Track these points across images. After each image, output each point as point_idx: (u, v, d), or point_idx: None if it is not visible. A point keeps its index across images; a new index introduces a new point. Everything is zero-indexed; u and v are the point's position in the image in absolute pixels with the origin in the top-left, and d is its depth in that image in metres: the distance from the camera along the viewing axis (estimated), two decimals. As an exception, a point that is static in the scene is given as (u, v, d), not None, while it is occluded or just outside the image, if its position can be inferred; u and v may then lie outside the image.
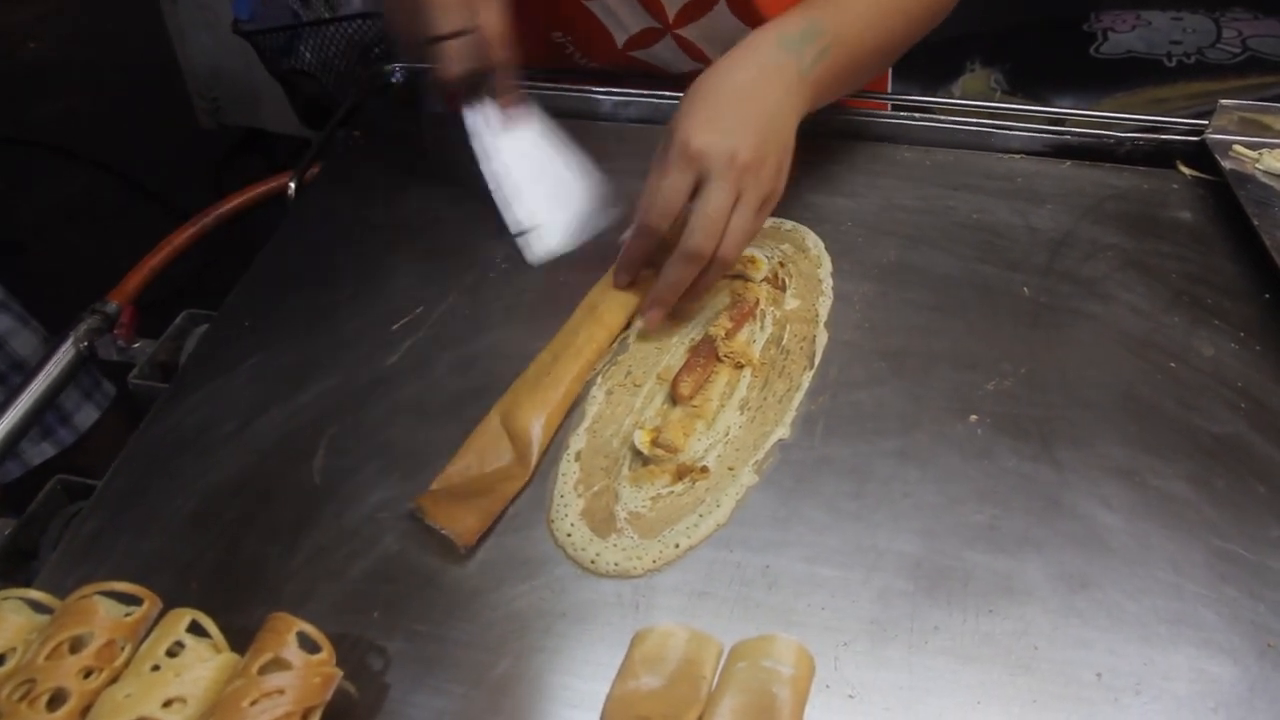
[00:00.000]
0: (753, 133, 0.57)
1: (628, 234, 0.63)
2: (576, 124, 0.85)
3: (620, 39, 0.83)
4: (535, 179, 0.71)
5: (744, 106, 0.58)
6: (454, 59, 0.65)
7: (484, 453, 0.56)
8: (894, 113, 0.84)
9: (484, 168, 0.70)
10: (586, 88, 0.86)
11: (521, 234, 0.70)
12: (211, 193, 0.89)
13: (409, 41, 0.68)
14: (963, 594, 0.49)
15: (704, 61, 0.84)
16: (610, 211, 0.71)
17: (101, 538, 0.54)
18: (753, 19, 0.79)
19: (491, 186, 0.70)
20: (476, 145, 0.70)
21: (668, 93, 0.84)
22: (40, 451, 1.17)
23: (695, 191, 0.58)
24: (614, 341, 0.63)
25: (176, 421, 0.60)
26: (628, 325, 0.65)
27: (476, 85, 0.69)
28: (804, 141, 0.82)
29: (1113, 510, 0.53)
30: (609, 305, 0.64)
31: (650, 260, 0.63)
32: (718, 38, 0.81)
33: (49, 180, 2.34)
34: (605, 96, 0.86)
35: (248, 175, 0.91)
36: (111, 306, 0.73)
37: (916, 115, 0.83)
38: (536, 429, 0.56)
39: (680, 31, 0.81)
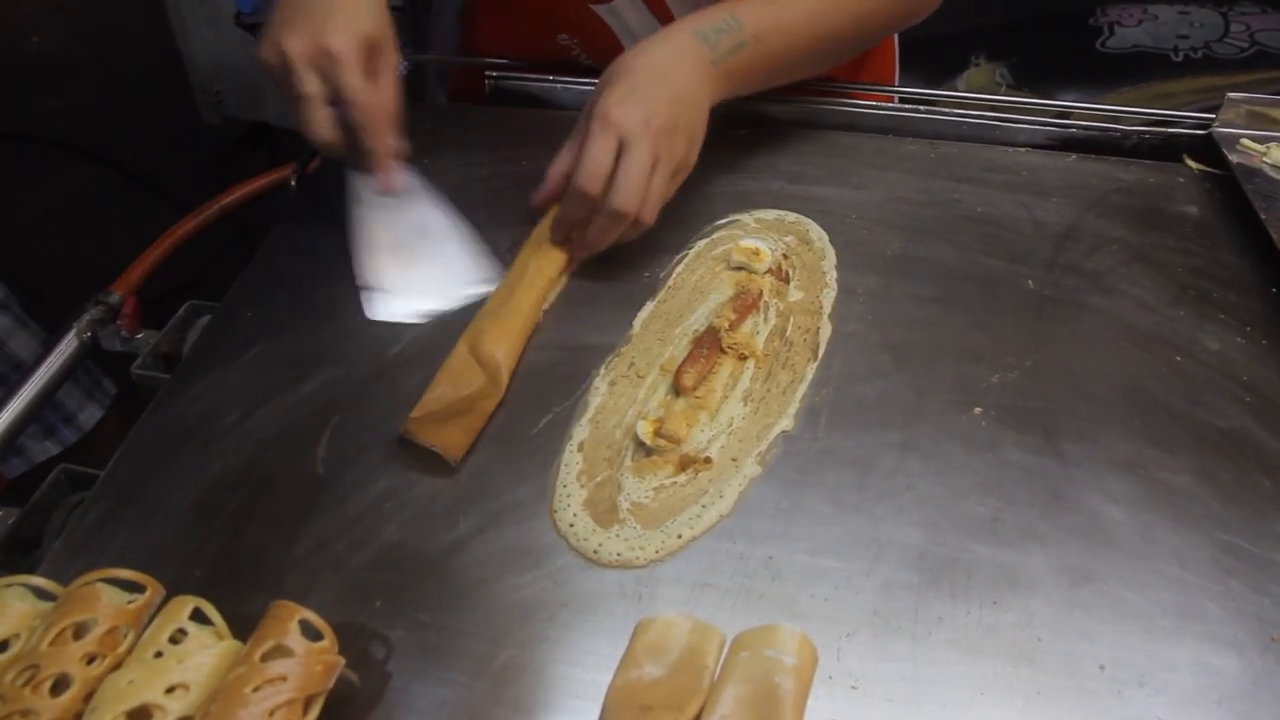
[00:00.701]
0: (664, 102, 0.62)
1: (539, 193, 0.68)
2: (571, 116, 0.85)
3: (628, 45, 0.83)
4: (396, 243, 0.68)
5: (656, 82, 0.63)
6: (317, 127, 0.63)
7: (457, 379, 0.59)
8: (899, 105, 0.84)
9: (352, 222, 0.68)
10: (580, 80, 0.86)
11: (365, 289, 0.66)
12: (215, 187, 0.89)
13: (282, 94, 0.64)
14: (966, 586, 0.49)
15: None
16: (475, 288, 0.66)
17: (104, 526, 0.54)
18: None
19: (353, 237, 0.68)
20: (350, 202, 0.68)
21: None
22: (44, 449, 1.18)
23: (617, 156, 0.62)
24: (561, 274, 0.68)
25: (179, 411, 0.60)
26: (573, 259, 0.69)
27: (356, 153, 0.66)
28: (807, 133, 0.82)
29: (1117, 503, 0.53)
30: (553, 241, 0.68)
31: (583, 221, 0.65)
32: None
33: (52, 175, 2.33)
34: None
35: (251, 169, 0.91)
36: (114, 297, 0.73)
37: (921, 108, 0.82)
38: (501, 354, 0.60)
39: None
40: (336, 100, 0.63)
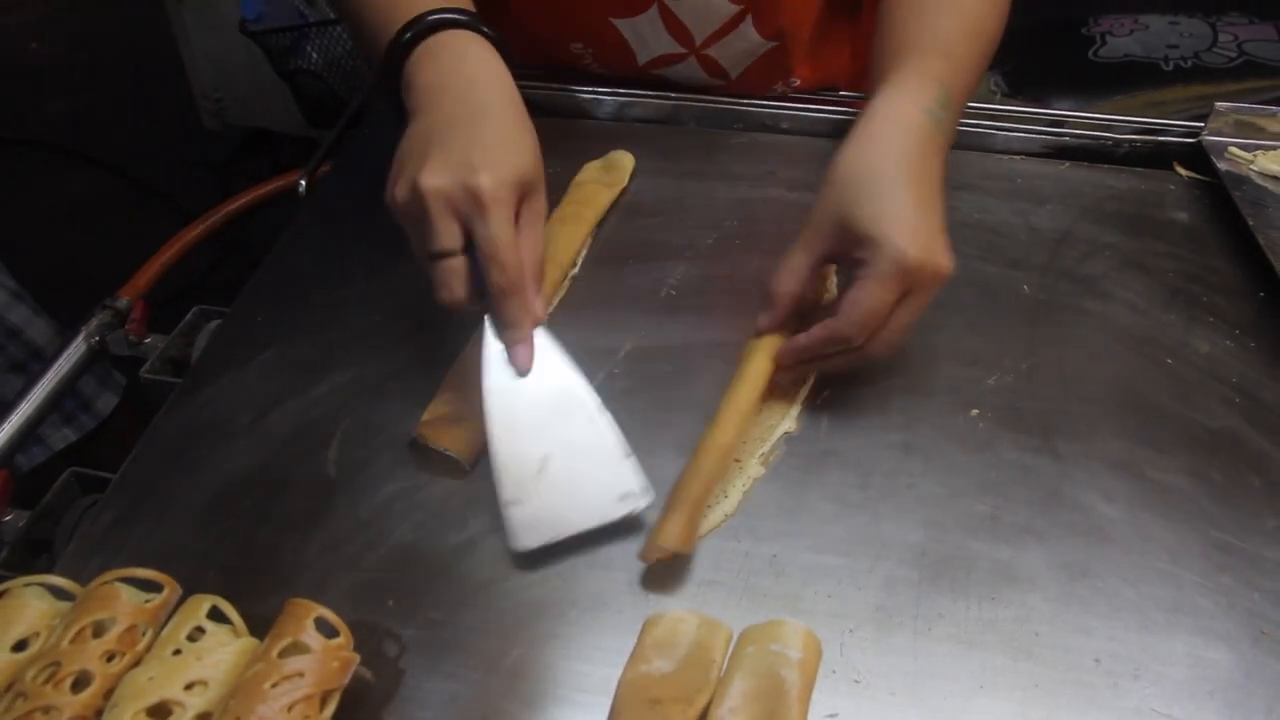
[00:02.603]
0: (942, 233, 0.54)
1: (768, 319, 0.59)
2: (579, 124, 0.86)
3: (642, 58, 0.84)
4: (543, 438, 0.53)
5: (931, 201, 0.55)
6: (451, 290, 0.52)
7: (467, 382, 0.57)
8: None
9: (486, 415, 0.53)
10: (592, 88, 0.87)
11: (509, 506, 0.52)
12: (216, 194, 0.90)
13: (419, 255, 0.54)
14: (966, 582, 0.50)
15: (723, 78, 0.84)
16: (628, 498, 0.53)
17: (118, 528, 0.55)
18: (779, 36, 0.80)
19: (490, 441, 0.53)
20: (483, 386, 0.54)
21: (673, 94, 0.86)
22: (63, 436, 1.21)
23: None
24: (564, 277, 0.68)
25: (191, 415, 0.61)
26: (575, 263, 0.69)
27: (486, 312, 0.54)
28: (807, 141, 0.84)
29: (1112, 501, 0.54)
30: (556, 244, 0.68)
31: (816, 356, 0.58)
32: (740, 55, 0.82)
33: (53, 181, 2.34)
34: (610, 97, 0.87)
35: (252, 176, 0.92)
36: (123, 302, 0.74)
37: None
38: None
39: (706, 52, 0.82)
40: (469, 249, 0.52)
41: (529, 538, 0.51)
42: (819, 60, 0.86)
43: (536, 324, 0.54)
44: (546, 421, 0.53)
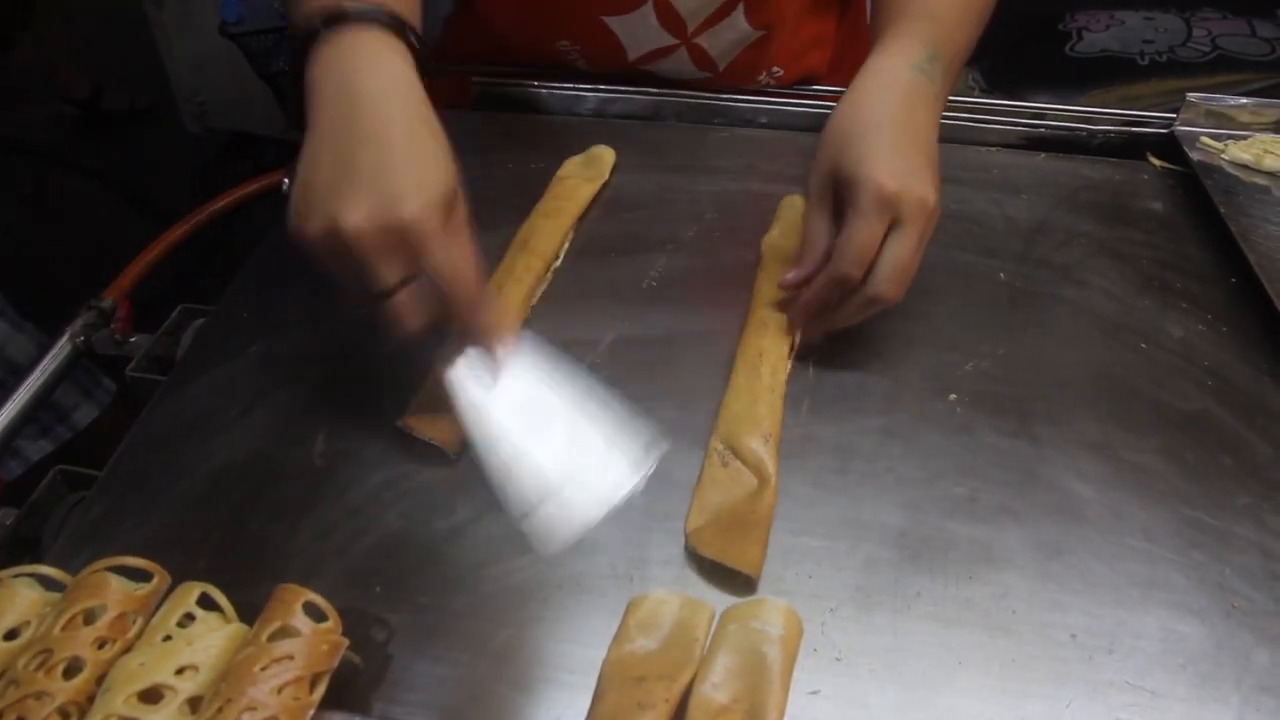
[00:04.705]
0: (930, 171, 0.57)
1: (798, 275, 0.60)
2: (561, 120, 0.87)
3: (633, 54, 0.84)
4: (536, 440, 0.52)
5: (912, 142, 0.57)
6: (406, 320, 0.49)
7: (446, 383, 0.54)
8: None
9: (472, 433, 0.53)
10: (563, 85, 0.88)
11: (527, 517, 0.51)
12: (199, 197, 0.90)
13: (354, 300, 0.50)
14: (944, 562, 0.51)
15: (710, 69, 0.85)
16: (642, 456, 0.53)
17: (106, 522, 0.55)
18: (768, 25, 0.81)
19: (485, 458, 0.52)
20: (461, 404, 0.53)
21: (654, 90, 0.87)
22: (39, 448, 1.19)
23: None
24: (547, 269, 0.69)
25: (179, 409, 0.61)
26: (557, 256, 0.70)
27: (445, 333, 0.52)
28: (786, 135, 0.85)
29: (1087, 482, 0.55)
30: (539, 238, 0.70)
31: (832, 301, 0.60)
32: (728, 45, 0.83)
33: (34, 186, 2.33)
34: (591, 93, 0.88)
35: (235, 179, 0.92)
36: (107, 302, 0.74)
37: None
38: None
39: (696, 40, 0.83)
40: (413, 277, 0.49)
41: (555, 541, 0.51)
42: (801, 52, 0.87)
43: (501, 326, 0.53)
44: (533, 423, 0.53)
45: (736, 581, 0.50)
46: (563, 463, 0.52)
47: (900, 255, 0.56)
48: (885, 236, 0.56)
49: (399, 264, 0.47)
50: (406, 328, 0.50)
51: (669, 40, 0.82)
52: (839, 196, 0.58)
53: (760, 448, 0.55)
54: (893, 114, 0.58)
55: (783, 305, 0.63)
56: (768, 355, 0.60)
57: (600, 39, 0.83)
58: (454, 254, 0.49)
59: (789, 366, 0.61)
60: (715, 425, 0.58)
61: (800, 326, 0.62)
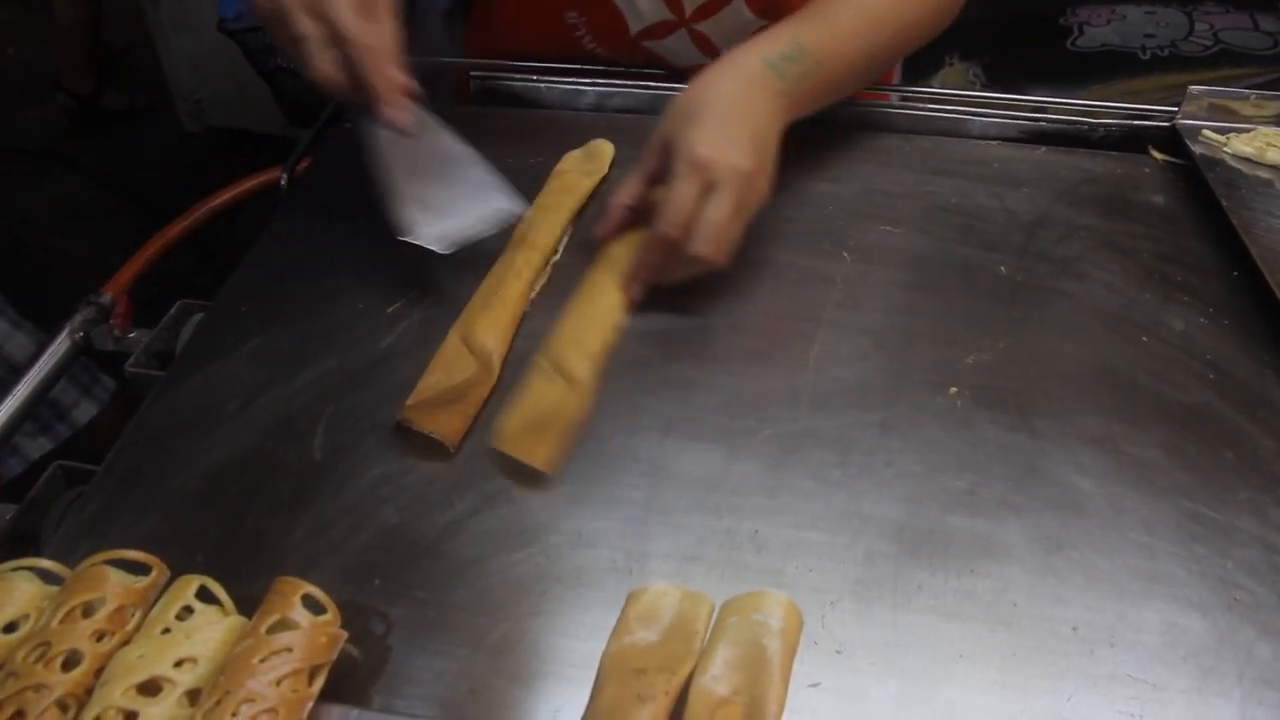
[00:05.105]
0: (748, 142, 0.61)
1: (603, 226, 0.68)
2: (560, 115, 0.87)
3: (635, 28, 0.85)
4: (421, 175, 0.66)
5: (737, 119, 0.62)
6: (319, 68, 0.59)
7: (450, 367, 0.61)
8: (874, 101, 0.86)
9: (374, 165, 0.66)
10: (563, 80, 0.88)
11: (398, 219, 0.64)
12: (196, 195, 0.90)
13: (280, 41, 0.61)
14: (944, 555, 0.51)
15: (714, 56, 0.85)
16: (504, 209, 0.66)
17: (104, 516, 0.55)
18: (771, 13, 0.80)
19: (377, 178, 0.65)
20: (369, 148, 0.66)
21: (653, 83, 0.86)
22: (39, 446, 1.19)
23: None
24: (546, 263, 0.69)
25: (177, 404, 0.61)
26: (557, 249, 0.71)
27: (362, 94, 0.61)
28: (786, 128, 0.84)
29: (1088, 476, 0.55)
30: (538, 232, 0.70)
31: (661, 264, 0.64)
32: (731, 32, 0.83)
33: (32, 185, 2.33)
34: (590, 88, 0.88)
35: (232, 177, 0.92)
36: (106, 298, 0.74)
37: (897, 103, 0.85)
38: (492, 342, 0.62)
39: (697, 26, 0.83)
40: (337, 42, 0.59)
41: (437, 243, 0.64)
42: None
43: (400, 91, 0.60)
44: (433, 166, 0.66)
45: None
46: (446, 187, 0.66)
47: (715, 217, 0.60)
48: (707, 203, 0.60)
49: (313, 21, 0.58)
50: (315, 71, 0.59)
51: (667, 15, 0.83)
52: (661, 162, 0.63)
53: (580, 360, 0.59)
54: (728, 97, 0.63)
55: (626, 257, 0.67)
56: (606, 290, 0.64)
57: (604, 10, 0.83)
58: (346, 16, 0.57)
59: (625, 317, 0.65)
60: (543, 344, 0.61)
61: (637, 281, 0.66)
